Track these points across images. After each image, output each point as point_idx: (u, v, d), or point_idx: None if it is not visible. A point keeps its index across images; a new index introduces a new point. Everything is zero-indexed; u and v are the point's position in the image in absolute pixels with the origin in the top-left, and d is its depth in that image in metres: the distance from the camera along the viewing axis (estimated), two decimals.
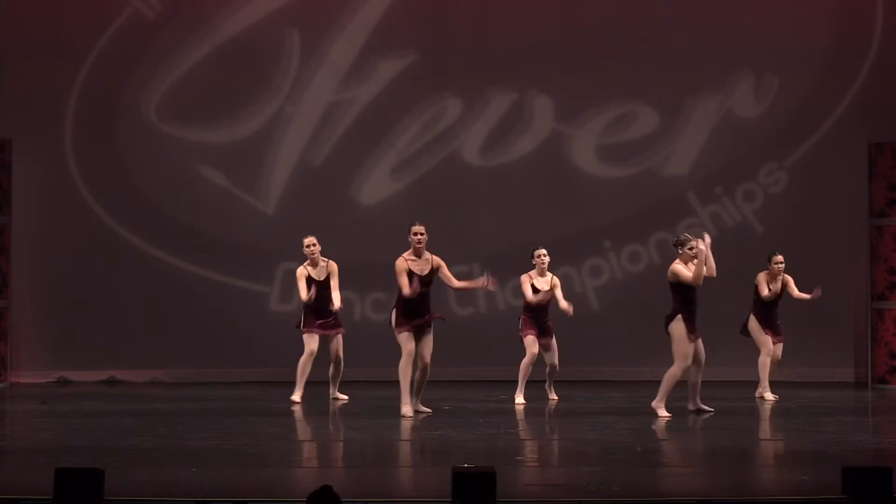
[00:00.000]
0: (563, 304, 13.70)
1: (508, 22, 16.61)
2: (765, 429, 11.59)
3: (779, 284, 14.09)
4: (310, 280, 13.87)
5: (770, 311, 14.12)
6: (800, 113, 16.60)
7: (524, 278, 13.89)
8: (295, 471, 9.21)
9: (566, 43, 16.57)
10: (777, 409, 12.74)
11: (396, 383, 13.43)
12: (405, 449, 10.90)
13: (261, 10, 16.53)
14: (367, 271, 16.36)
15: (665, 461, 10.07)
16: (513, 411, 12.99)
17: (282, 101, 16.59)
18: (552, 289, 13.77)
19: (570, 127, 16.70)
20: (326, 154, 16.63)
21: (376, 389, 14.33)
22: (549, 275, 13.92)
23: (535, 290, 13.81)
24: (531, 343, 13.54)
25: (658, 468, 9.65)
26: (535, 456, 10.33)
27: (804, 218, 16.58)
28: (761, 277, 14.16)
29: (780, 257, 14.12)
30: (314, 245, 13.94)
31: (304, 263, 13.97)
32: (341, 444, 10.87)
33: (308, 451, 10.38)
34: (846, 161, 16.36)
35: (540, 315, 13.71)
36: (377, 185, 16.65)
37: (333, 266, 13.97)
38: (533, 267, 13.94)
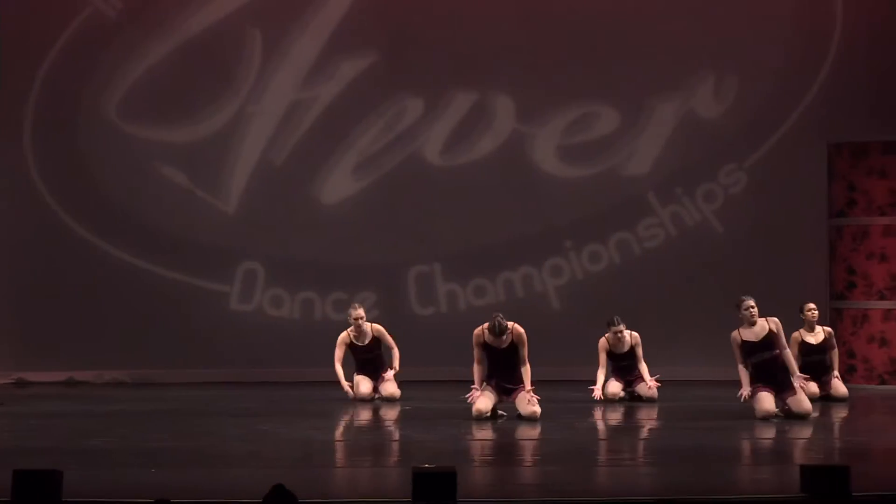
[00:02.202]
0: (647, 380, 13.68)
1: (470, 22, 16.63)
2: (724, 428, 11.63)
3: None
4: (353, 346, 13.78)
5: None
6: (759, 113, 16.69)
7: (601, 343, 13.81)
8: (255, 471, 9.18)
9: (527, 43, 16.59)
10: (737, 408, 12.78)
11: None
12: (365, 449, 10.89)
13: (222, 10, 16.48)
14: (328, 271, 16.37)
15: (624, 460, 10.10)
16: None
17: (243, 101, 16.55)
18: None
19: (531, 127, 16.72)
20: (288, 153, 16.60)
21: (337, 390, 14.30)
22: (626, 333, 13.83)
23: (614, 355, 13.75)
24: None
25: (617, 467, 9.67)
26: (496, 456, 10.34)
27: (764, 218, 16.66)
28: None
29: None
30: (361, 318, 13.79)
31: (348, 329, 13.88)
32: (302, 444, 10.85)
33: (268, 451, 10.35)
34: (805, 161, 16.45)
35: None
36: (338, 184, 16.63)
37: (378, 328, 13.83)
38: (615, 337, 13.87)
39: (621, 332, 13.76)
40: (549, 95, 16.65)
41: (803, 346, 13.70)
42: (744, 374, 12.22)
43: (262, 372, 15.96)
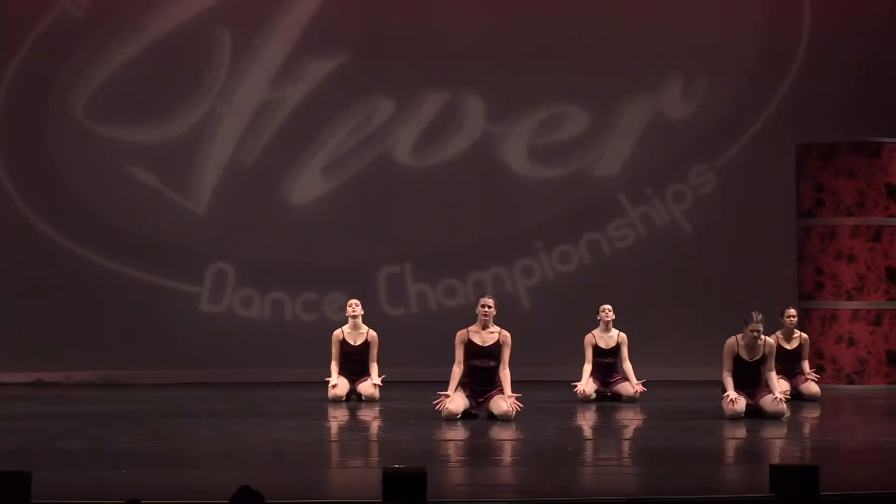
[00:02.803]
0: (632, 381, 13.63)
1: (440, 23, 16.64)
2: (695, 428, 11.67)
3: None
4: (344, 343, 13.74)
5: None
6: (728, 114, 16.76)
7: (587, 339, 13.84)
8: (225, 472, 9.17)
9: (498, 44, 16.61)
10: (705, 408, 12.83)
11: (324, 384, 13.45)
12: (336, 449, 10.88)
13: (191, 9, 16.43)
14: (298, 271, 16.34)
15: (594, 460, 10.12)
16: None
17: (213, 101, 16.51)
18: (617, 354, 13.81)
19: (501, 127, 16.74)
20: (257, 154, 16.56)
21: (306, 390, 14.29)
22: (614, 331, 13.87)
23: (599, 350, 13.78)
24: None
25: (587, 467, 9.70)
26: (466, 456, 10.34)
27: (733, 218, 16.73)
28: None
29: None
30: (357, 305, 13.78)
31: (342, 327, 13.85)
32: (272, 444, 10.83)
33: (238, 452, 10.32)
34: (774, 162, 16.53)
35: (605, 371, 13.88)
36: (308, 184, 16.61)
37: (374, 336, 13.80)
38: (596, 324, 13.90)
39: (609, 309, 13.77)
40: (520, 96, 16.68)
41: (779, 349, 13.71)
42: (728, 381, 12.20)
43: (232, 372, 15.92)
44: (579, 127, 16.79)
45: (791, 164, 16.34)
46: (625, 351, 13.83)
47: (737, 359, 12.25)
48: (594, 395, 13.79)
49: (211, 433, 11.38)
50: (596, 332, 13.92)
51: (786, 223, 16.40)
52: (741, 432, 11.40)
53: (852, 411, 13.64)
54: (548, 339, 16.11)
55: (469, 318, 15.35)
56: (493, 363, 12.09)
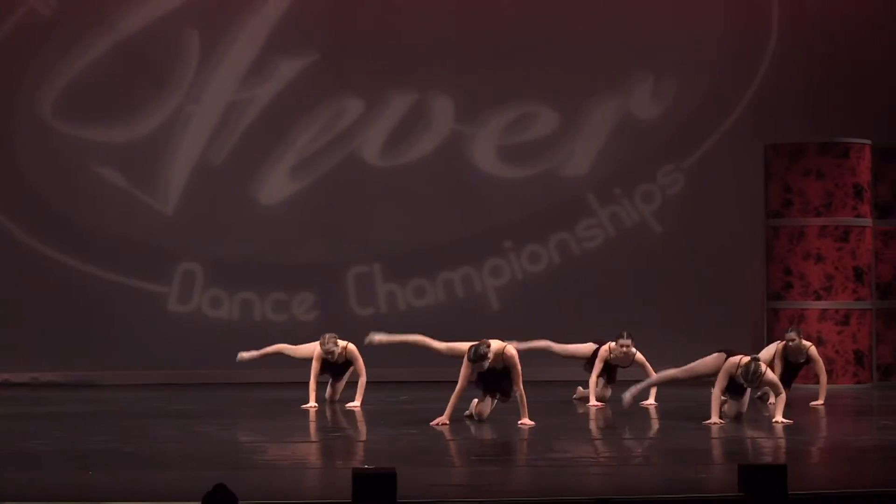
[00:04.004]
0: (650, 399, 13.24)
1: (409, 22, 16.62)
2: (664, 428, 11.69)
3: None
4: (326, 364, 13.26)
5: None
6: (697, 114, 16.81)
7: (601, 353, 13.44)
8: (193, 473, 9.14)
9: (466, 43, 16.61)
10: (676, 409, 12.86)
11: (299, 384, 13.42)
12: (305, 450, 10.86)
13: (159, 9, 16.36)
14: (266, 271, 16.30)
15: (563, 460, 10.13)
16: (414, 412, 12.96)
17: (181, 101, 16.44)
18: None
19: (470, 127, 16.74)
20: (226, 154, 16.51)
21: (277, 391, 14.26)
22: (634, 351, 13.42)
23: (608, 367, 13.47)
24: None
25: (556, 468, 9.70)
26: (436, 457, 10.34)
27: (701, 218, 16.77)
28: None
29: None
30: (331, 354, 13.23)
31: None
32: (241, 445, 10.81)
33: (207, 453, 10.29)
34: (743, 162, 16.58)
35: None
36: (277, 185, 16.56)
37: (353, 350, 13.30)
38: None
39: (628, 346, 13.39)
40: (488, 96, 16.68)
41: (785, 362, 13.72)
42: (717, 403, 11.91)
43: (200, 373, 15.85)
44: (548, 127, 16.80)
45: (759, 165, 16.39)
46: (649, 369, 13.24)
47: (730, 381, 12.01)
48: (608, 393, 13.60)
49: (180, 434, 11.35)
50: (612, 346, 13.46)
51: (754, 223, 16.45)
52: (711, 432, 11.42)
53: (820, 411, 13.68)
54: (517, 339, 16.07)
55: (438, 318, 15.39)
56: (501, 380, 11.83)
